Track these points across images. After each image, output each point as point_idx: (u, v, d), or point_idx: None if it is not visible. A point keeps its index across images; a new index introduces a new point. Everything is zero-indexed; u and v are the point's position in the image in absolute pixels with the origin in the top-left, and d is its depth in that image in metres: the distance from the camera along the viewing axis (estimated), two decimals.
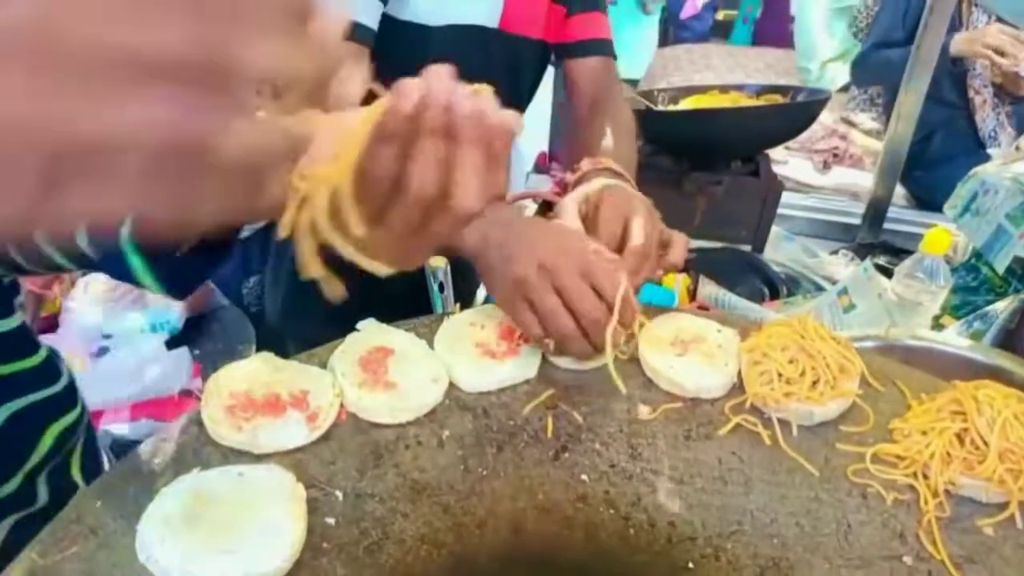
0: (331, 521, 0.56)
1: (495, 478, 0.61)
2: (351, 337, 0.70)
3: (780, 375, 0.65)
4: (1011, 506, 0.57)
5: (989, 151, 2.04)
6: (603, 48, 1.04)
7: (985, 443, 0.57)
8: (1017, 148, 1.54)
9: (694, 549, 0.56)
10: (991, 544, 0.56)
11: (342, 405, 0.64)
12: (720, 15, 3.83)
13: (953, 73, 2.07)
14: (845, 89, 3.02)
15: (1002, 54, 1.89)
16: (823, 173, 2.22)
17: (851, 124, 2.64)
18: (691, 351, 0.71)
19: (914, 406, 0.64)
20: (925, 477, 0.59)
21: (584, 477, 0.61)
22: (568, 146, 1.23)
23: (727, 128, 1.38)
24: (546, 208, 1.00)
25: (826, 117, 2.80)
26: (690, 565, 0.55)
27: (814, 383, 0.65)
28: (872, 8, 2.69)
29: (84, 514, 0.53)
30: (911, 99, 1.74)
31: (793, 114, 1.39)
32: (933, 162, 2.09)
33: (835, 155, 2.29)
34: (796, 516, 0.58)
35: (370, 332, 0.71)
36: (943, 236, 1.11)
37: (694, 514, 0.59)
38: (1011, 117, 2.06)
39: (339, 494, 0.58)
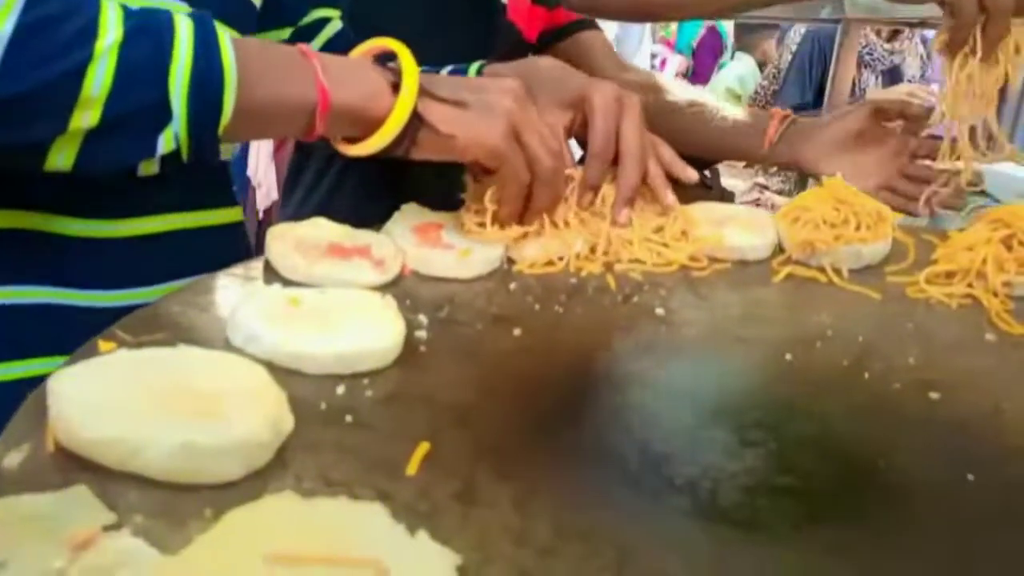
0: (422, 335, 0.53)
1: (571, 314, 0.60)
2: (397, 214, 0.68)
3: (825, 221, 0.68)
4: None
5: None
6: (592, 24, 1.12)
7: None
8: None
9: (784, 351, 0.55)
10: None
11: (404, 263, 0.62)
12: None
13: None
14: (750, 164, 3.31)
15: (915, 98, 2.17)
16: None
17: (764, 188, 2.85)
18: (728, 225, 0.73)
19: (951, 236, 0.68)
20: (984, 279, 0.62)
21: (659, 311, 0.61)
22: None
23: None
24: None
25: (740, 185, 3.01)
26: (788, 357, 0.54)
27: (857, 227, 0.68)
28: (770, 88, 2.99)
29: (162, 313, 0.48)
30: None
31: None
32: None
33: (758, 205, 2.46)
34: (871, 325, 0.59)
35: (415, 211, 0.70)
36: None
37: (776, 332, 0.58)
38: None
39: (423, 318, 0.55)
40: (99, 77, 0.44)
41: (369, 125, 0.55)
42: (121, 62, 0.45)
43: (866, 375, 0.52)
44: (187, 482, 0.33)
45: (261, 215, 2.03)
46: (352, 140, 0.58)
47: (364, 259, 0.60)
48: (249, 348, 0.45)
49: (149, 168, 0.51)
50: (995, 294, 0.61)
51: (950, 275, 0.64)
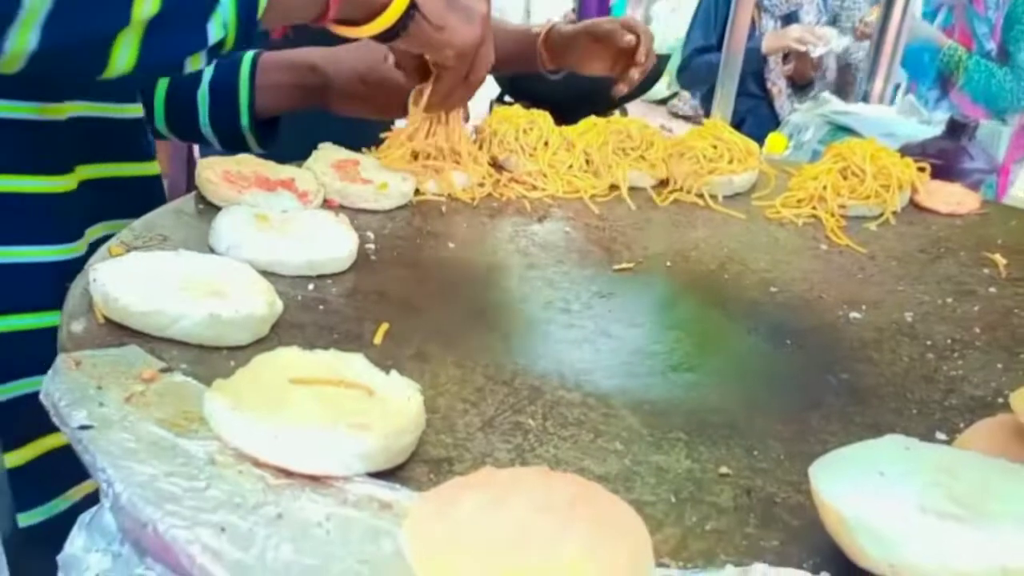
0: (371, 247, 0.63)
1: (497, 230, 0.71)
2: (316, 152, 0.76)
3: (704, 156, 0.82)
4: (886, 212, 0.76)
5: None
6: None
7: (862, 170, 0.77)
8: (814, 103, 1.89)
9: (665, 260, 0.69)
10: (877, 234, 0.74)
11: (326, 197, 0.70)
12: None
13: (754, 71, 2.47)
14: (663, 102, 3.48)
15: (802, 44, 2.34)
16: None
17: (675, 115, 3.02)
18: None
19: (803, 168, 0.83)
20: (824, 201, 0.77)
21: (567, 229, 0.73)
22: None
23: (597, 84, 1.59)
24: None
25: (653, 121, 3.16)
26: (668, 263, 0.68)
27: (730, 161, 0.82)
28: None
29: (153, 226, 0.57)
30: (725, 92, 2.07)
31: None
32: None
33: None
34: (735, 238, 0.74)
35: (332, 149, 0.77)
36: (780, 138, 1.37)
37: (660, 245, 0.72)
38: (803, 104, 2.48)
39: (371, 235, 0.65)
40: None
41: (371, 9, 0.59)
42: None
43: (726, 276, 0.66)
44: (211, 345, 0.43)
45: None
46: (348, 23, 0.60)
47: (289, 191, 0.68)
48: (231, 254, 0.55)
49: (196, 64, 0.51)
50: (832, 215, 0.76)
51: (801, 200, 0.79)
